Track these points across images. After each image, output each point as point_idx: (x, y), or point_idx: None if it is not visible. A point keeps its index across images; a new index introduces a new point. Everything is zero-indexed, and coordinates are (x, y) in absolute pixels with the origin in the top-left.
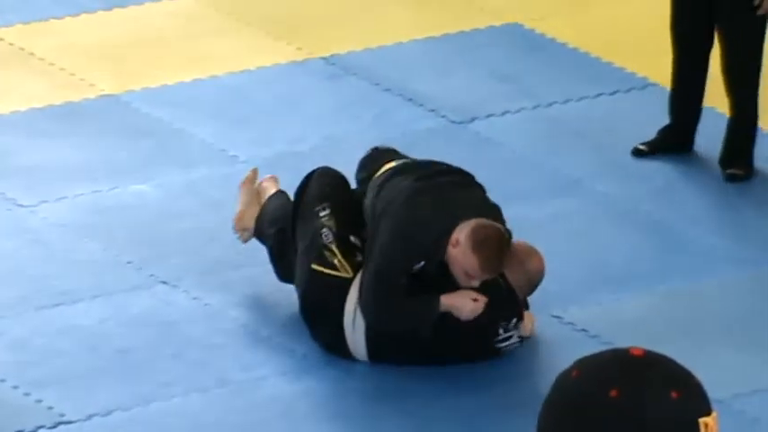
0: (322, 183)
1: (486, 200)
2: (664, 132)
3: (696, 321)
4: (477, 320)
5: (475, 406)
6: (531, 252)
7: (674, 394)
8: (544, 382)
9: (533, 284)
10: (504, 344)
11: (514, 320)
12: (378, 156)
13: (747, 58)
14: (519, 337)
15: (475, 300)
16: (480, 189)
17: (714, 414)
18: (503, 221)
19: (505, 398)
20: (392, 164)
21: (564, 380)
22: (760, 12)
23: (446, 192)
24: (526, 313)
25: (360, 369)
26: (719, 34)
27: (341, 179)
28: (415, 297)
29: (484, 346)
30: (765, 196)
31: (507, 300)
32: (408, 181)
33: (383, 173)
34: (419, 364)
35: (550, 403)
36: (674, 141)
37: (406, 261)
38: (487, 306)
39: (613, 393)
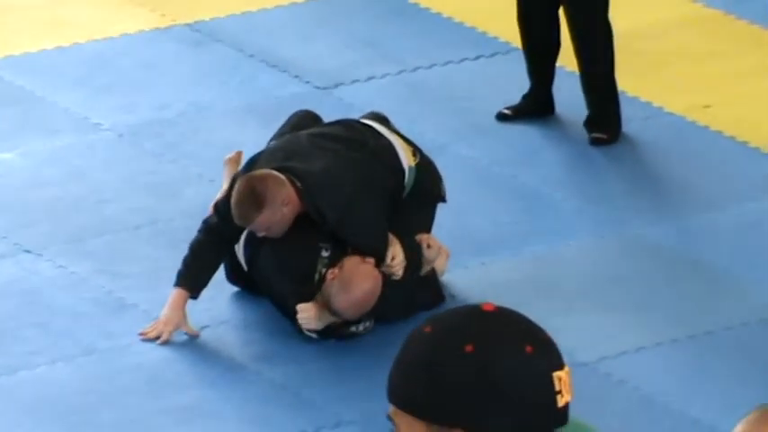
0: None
1: (328, 159)
2: (527, 97)
3: (561, 284)
4: (299, 232)
5: (345, 365)
6: (359, 274)
7: (528, 348)
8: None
9: (359, 306)
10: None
11: (331, 246)
12: (366, 115)
13: (596, 23)
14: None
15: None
16: (337, 149)
17: (567, 369)
18: (321, 184)
19: (363, 358)
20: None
21: (417, 336)
22: None
23: (303, 139)
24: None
25: (226, 336)
26: (564, 7)
27: (307, 115)
28: (202, 253)
29: (306, 259)
30: (627, 158)
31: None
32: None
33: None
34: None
35: (403, 360)
36: (536, 105)
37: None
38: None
39: (468, 348)
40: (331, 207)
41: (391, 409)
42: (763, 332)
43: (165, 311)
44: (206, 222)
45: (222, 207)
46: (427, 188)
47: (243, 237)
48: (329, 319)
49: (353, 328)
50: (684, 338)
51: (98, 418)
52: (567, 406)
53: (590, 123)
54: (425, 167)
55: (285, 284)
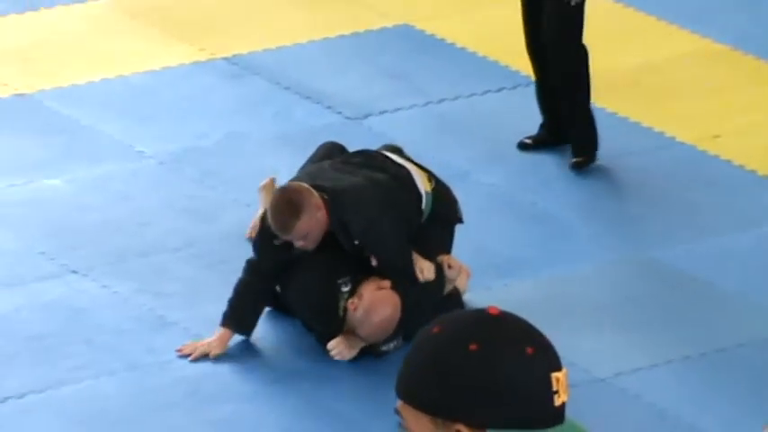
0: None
1: (352, 180)
2: (543, 126)
3: (579, 304)
4: (319, 274)
5: (375, 381)
6: (378, 301)
7: (529, 350)
8: None
9: (382, 331)
10: (346, 293)
11: (350, 279)
12: (381, 147)
13: (570, 50)
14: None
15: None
16: (366, 172)
17: (565, 370)
18: (350, 202)
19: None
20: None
21: (425, 335)
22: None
23: (326, 167)
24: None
25: (262, 352)
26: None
27: (333, 147)
28: (246, 294)
29: (329, 299)
30: (641, 185)
31: (346, 259)
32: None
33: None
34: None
35: (411, 357)
36: (552, 135)
37: (264, 228)
38: (325, 263)
39: (473, 347)
40: (355, 219)
41: (399, 403)
42: None
43: (211, 340)
44: (248, 262)
45: (257, 242)
46: (444, 211)
47: None
48: (359, 344)
49: (384, 347)
50: (696, 356)
51: (141, 430)
52: (563, 405)
53: (572, 149)
54: (441, 192)
55: (314, 325)
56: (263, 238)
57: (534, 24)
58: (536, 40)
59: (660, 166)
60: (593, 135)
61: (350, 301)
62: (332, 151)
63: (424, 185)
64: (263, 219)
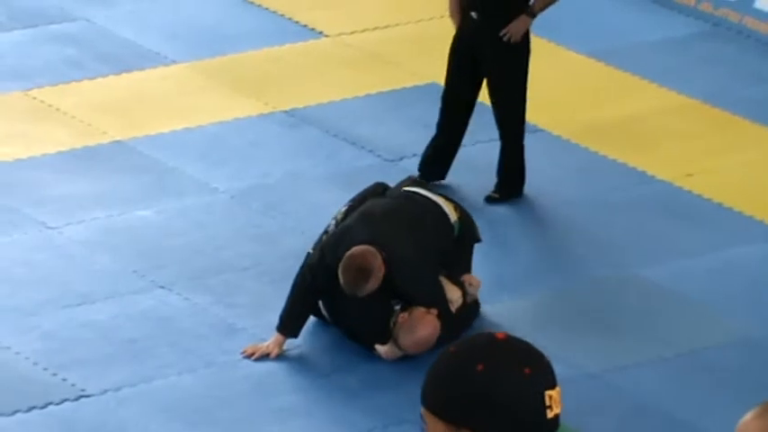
0: (361, 190)
1: (401, 229)
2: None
3: (572, 312)
4: (374, 300)
5: (406, 376)
6: (423, 321)
7: (526, 370)
8: None
9: (419, 347)
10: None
11: (400, 301)
12: (407, 180)
13: (513, 106)
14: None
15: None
16: (411, 224)
17: (558, 388)
18: (401, 251)
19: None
20: (407, 187)
21: (444, 354)
22: (511, 39)
23: (377, 214)
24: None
25: (313, 352)
26: (488, 86)
27: (378, 187)
28: (297, 308)
29: (383, 312)
30: (627, 215)
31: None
32: (372, 197)
33: (396, 187)
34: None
35: (431, 372)
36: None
37: (321, 259)
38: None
39: (479, 367)
40: (405, 280)
41: (422, 409)
42: (735, 351)
43: (270, 343)
44: (302, 278)
45: (315, 267)
46: (468, 234)
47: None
48: (400, 353)
49: None
50: (671, 356)
51: (216, 416)
52: (556, 417)
53: (496, 185)
54: (465, 218)
55: (365, 333)
56: (320, 265)
57: (457, 82)
58: (452, 94)
59: (642, 199)
60: (517, 182)
61: (401, 314)
62: (376, 190)
63: (452, 215)
64: (322, 251)
